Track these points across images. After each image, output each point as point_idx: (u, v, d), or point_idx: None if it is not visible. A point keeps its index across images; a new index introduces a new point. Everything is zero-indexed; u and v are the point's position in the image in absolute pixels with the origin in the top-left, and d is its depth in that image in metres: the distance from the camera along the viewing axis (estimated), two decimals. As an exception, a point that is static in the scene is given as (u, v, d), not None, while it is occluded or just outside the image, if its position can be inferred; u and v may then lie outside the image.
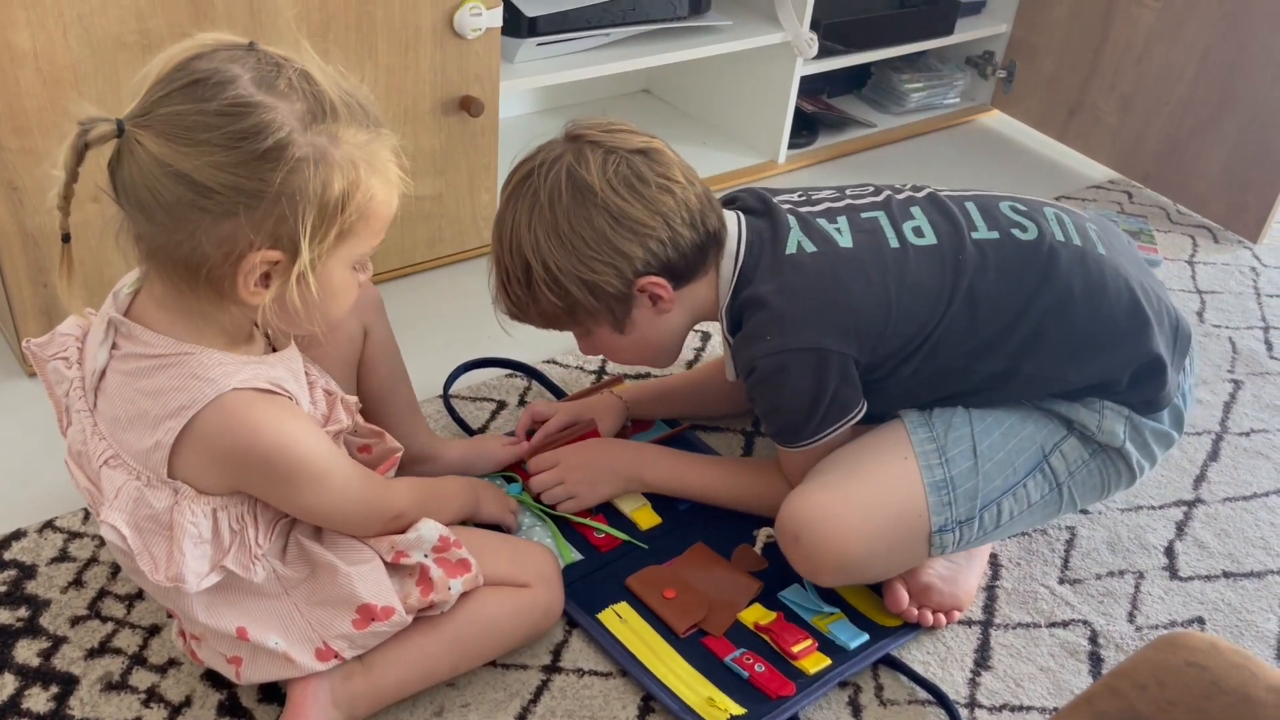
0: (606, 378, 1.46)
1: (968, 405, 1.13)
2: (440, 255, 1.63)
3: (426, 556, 0.96)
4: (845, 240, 1.11)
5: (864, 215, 1.13)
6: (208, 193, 0.77)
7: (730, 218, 1.13)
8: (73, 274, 0.84)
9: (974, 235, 1.12)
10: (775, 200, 1.16)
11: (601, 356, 1.46)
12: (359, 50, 1.38)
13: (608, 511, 1.24)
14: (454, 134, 1.54)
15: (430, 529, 0.96)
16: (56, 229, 0.82)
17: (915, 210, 1.14)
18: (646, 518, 1.23)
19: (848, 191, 1.19)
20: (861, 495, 1.08)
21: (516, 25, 1.63)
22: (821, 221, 1.12)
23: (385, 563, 0.95)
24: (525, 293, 1.09)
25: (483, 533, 1.11)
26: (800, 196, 1.18)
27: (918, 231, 1.12)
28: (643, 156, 1.07)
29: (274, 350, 0.93)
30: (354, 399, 1.01)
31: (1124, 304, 1.12)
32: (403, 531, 0.95)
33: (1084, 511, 1.31)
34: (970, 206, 1.15)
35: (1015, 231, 1.13)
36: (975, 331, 1.10)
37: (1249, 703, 0.56)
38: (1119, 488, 1.19)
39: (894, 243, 1.11)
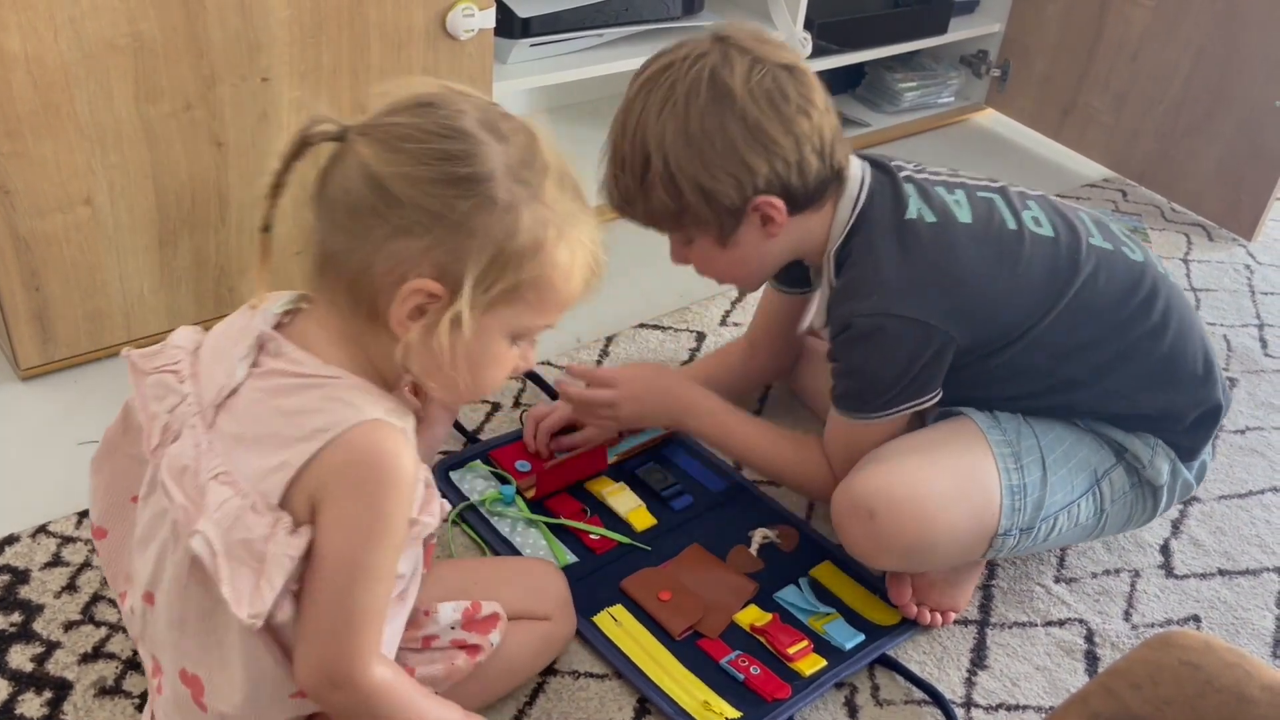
0: (601, 379, 1.45)
1: (1029, 409, 1.12)
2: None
3: (455, 630, 0.94)
4: (964, 215, 1.09)
5: (979, 194, 1.13)
6: (393, 203, 0.75)
7: (855, 162, 1.12)
8: (269, 264, 0.82)
9: (1090, 240, 1.12)
10: (891, 163, 1.14)
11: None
12: (351, 52, 1.38)
13: (603, 512, 1.23)
14: (447, 135, 1.53)
15: (449, 611, 0.94)
16: (259, 220, 0.80)
17: (1031, 203, 1.14)
18: (641, 519, 1.23)
19: (960, 172, 1.18)
20: (942, 484, 1.07)
21: (509, 26, 1.62)
22: (940, 190, 1.11)
23: (416, 647, 0.93)
24: (637, 187, 1.06)
25: (495, 563, 1.10)
26: (915, 165, 1.16)
27: (1036, 221, 1.11)
28: (788, 73, 1.03)
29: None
30: (445, 502, 0.94)
31: (1202, 350, 1.15)
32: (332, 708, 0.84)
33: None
34: (1084, 215, 1.16)
35: (1125, 250, 1.13)
36: (1073, 335, 1.10)
37: (1243, 701, 0.56)
38: (1138, 524, 1.20)
39: (1011, 224, 1.10)
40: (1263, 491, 1.39)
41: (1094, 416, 1.15)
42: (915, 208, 1.09)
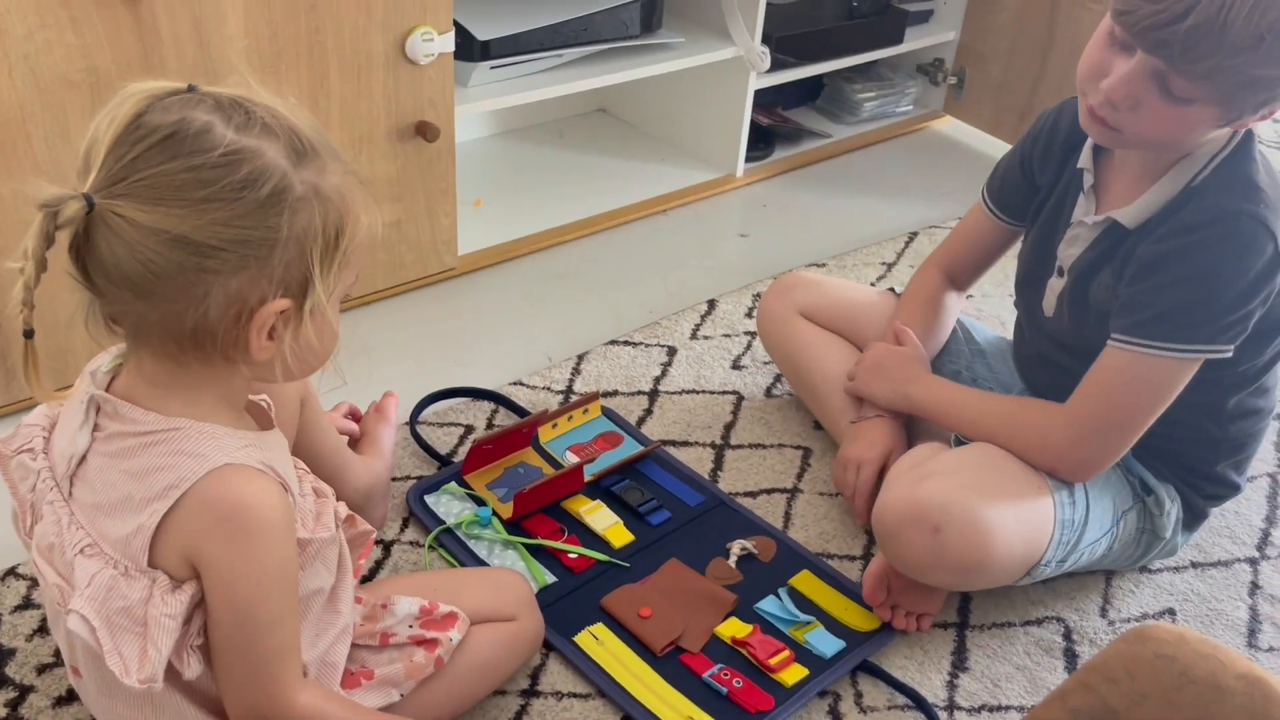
0: (576, 397, 1.46)
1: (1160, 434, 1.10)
2: (402, 281, 1.63)
3: (412, 628, 0.95)
4: None
5: None
6: (213, 252, 0.72)
7: None
8: (40, 368, 0.77)
9: None
10: None
11: (576, 360, 1.45)
12: (311, 80, 1.38)
13: (580, 531, 1.23)
14: (410, 160, 1.53)
15: (407, 604, 0.95)
16: (19, 325, 0.74)
17: None
18: (619, 535, 1.23)
19: None
20: (1006, 511, 1.06)
21: (469, 49, 1.63)
22: None
23: (374, 645, 0.93)
24: (1254, 39, 0.90)
25: (455, 571, 1.10)
26: None
27: None
28: None
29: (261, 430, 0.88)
30: (343, 506, 0.92)
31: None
32: None
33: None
34: None
35: None
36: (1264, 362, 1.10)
37: (1219, 691, 0.57)
38: (1124, 566, 1.23)
39: None
40: (1230, 483, 1.41)
41: (1152, 452, 1.14)
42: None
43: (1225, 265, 0.99)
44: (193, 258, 0.72)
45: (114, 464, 0.79)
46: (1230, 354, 1.03)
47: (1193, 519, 1.21)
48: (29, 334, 0.75)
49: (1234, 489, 1.21)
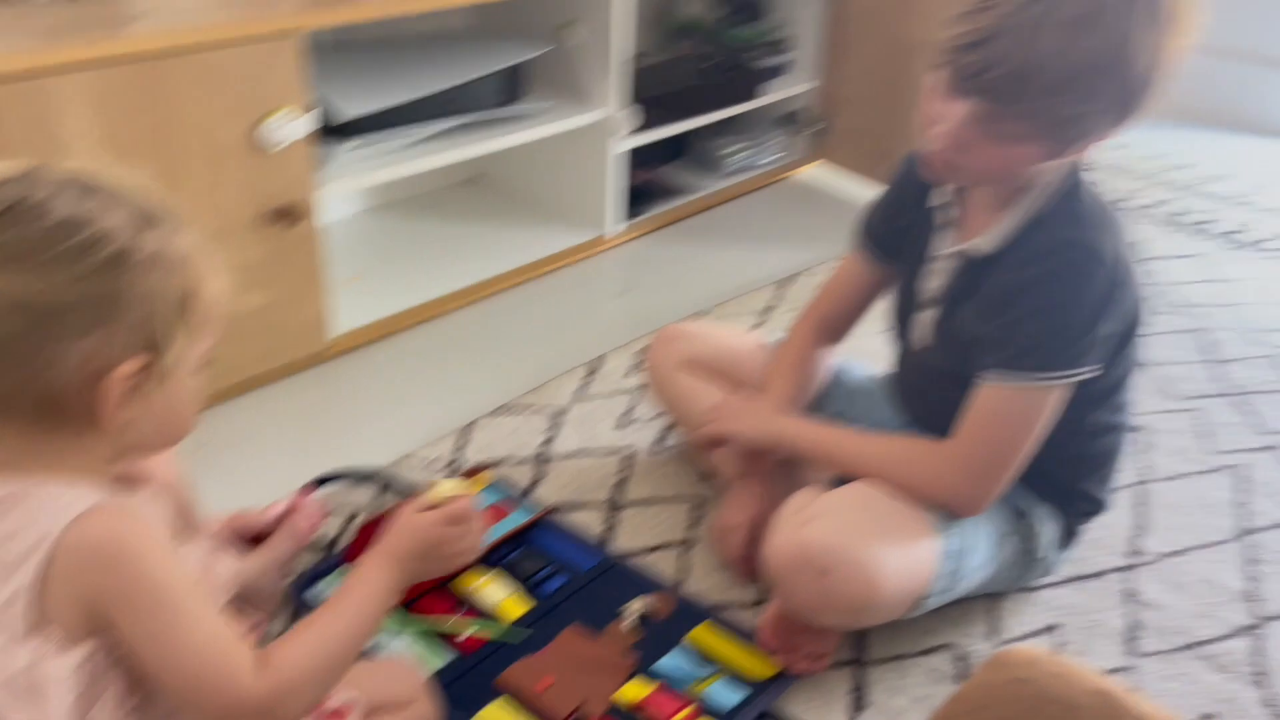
0: (464, 469, 1.44)
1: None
2: (278, 366, 1.60)
3: None
4: None
5: None
6: (58, 315, 0.73)
7: None
8: None
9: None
10: None
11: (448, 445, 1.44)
12: (164, 173, 1.31)
13: (474, 607, 1.21)
14: (277, 244, 1.51)
15: None
16: None
17: None
18: (514, 607, 1.22)
19: None
20: (890, 547, 1.07)
21: (330, 130, 1.62)
22: None
23: None
24: (1076, 78, 0.96)
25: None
26: None
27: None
28: None
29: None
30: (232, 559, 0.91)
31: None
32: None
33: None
34: None
35: None
36: (1120, 379, 1.16)
37: (1072, 708, 0.59)
38: (1005, 587, 1.26)
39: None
40: (1100, 496, 1.47)
41: (1023, 475, 1.17)
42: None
43: (1068, 295, 1.05)
44: (39, 320, 0.72)
45: None
46: (1100, 373, 1.09)
47: (1066, 536, 1.26)
48: None
49: (1100, 504, 1.27)
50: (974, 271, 1.14)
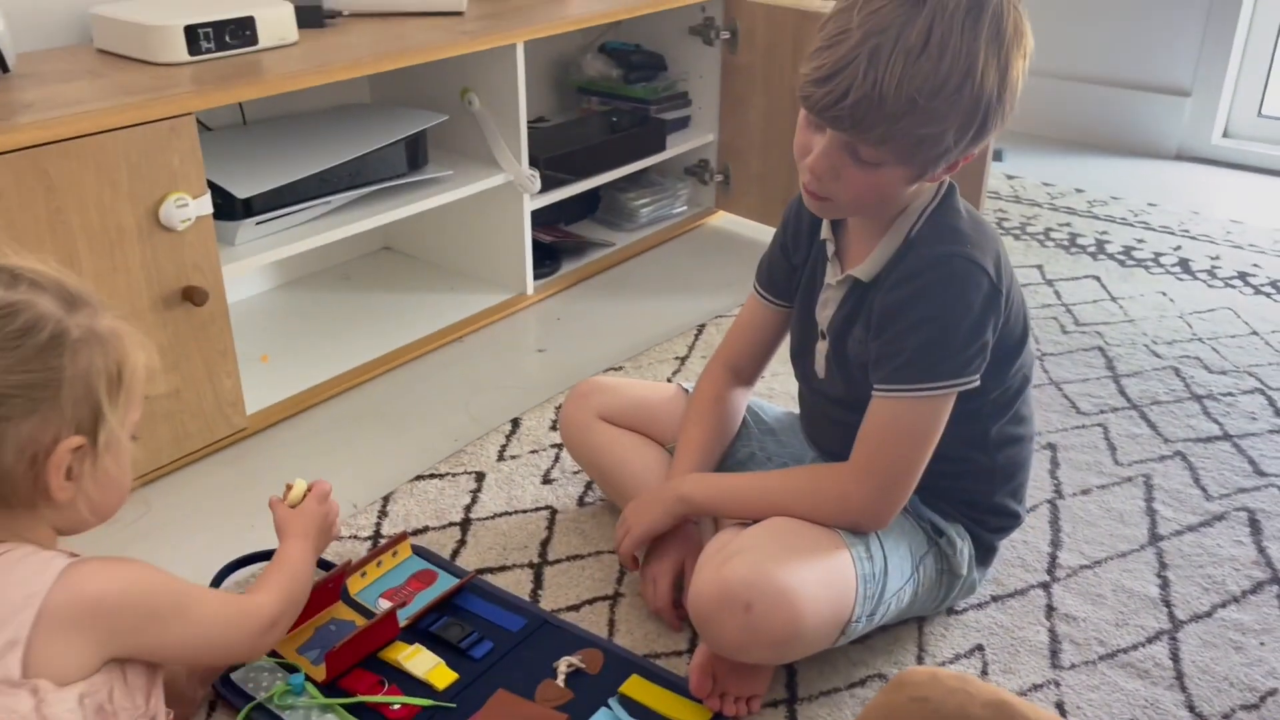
0: (384, 540, 1.42)
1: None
2: (189, 451, 1.56)
3: None
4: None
5: None
6: (2, 400, 0.78)
7: None
8: None
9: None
10: None
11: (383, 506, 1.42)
12: (65, 259, 1.32)
13: (401, 680, 1.19)
14: (182, 326, 1.49)
15: None
16: None
17: None
18: (442, 676, 1.20)
19: None
20: (809, 576, 1.08)
21: (231, 208, 1.62)
22: None
23: None
24: (927, 100, 0.99)
25: None
26: None
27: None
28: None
29: None
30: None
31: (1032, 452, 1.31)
32: (277, 639, 1.02)
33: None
34: None
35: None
36: (1003, 391, 1.20)
37: (969, 722, 0.61)
38: (929, 610, 1.29)
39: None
40: (1016, 515, 1.50)
41: (935, 493, 1.21)
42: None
43: (950, 305, 1.09)
44: None
45: None
46: (978, 383, 1.12)
47: (985, 553, 1.29)
48: None
49: (1015, 518, 1.30)
50: (859, 297, 1.18)
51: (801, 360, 1.30)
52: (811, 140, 1.09)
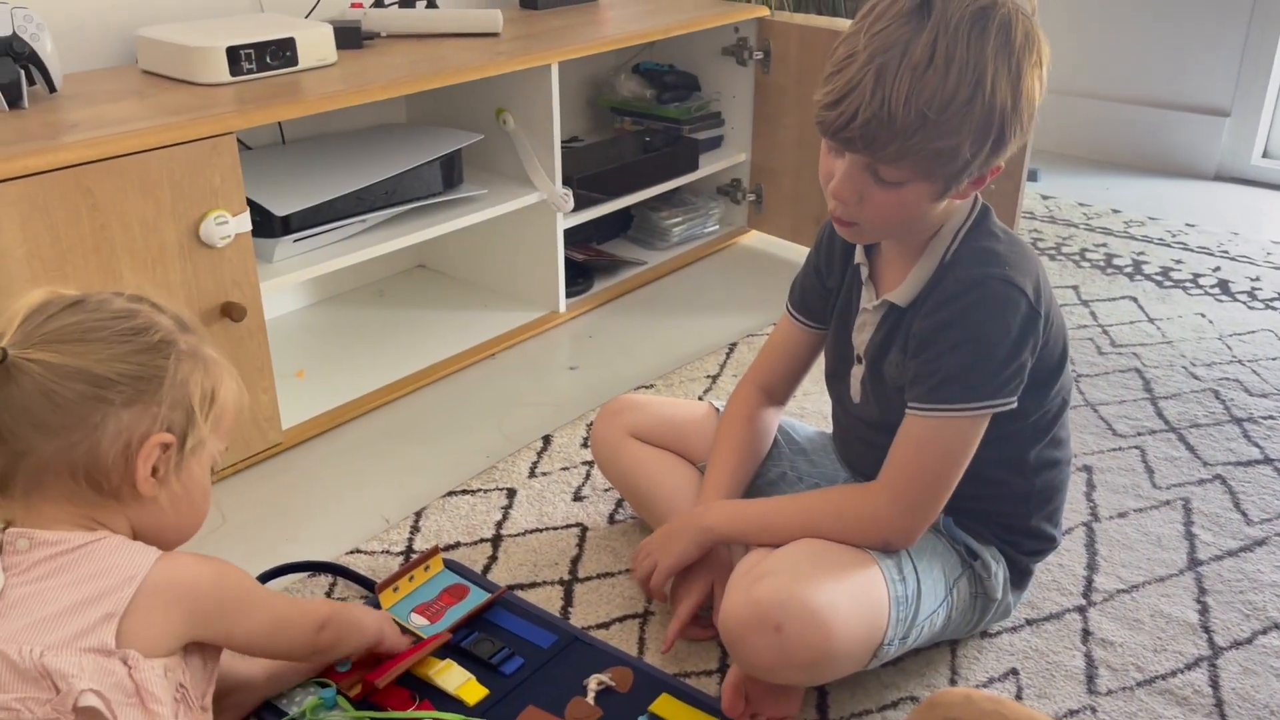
0: (416, 555, 1.43)
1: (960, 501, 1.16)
2: (226, 465, 1.58)
3: None
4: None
5: None
6: (109, 384, 0.86)
7: None
8: None
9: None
10: None
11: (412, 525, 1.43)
12: (102, 276, 1.36)
13: (432, 695, 1.20)
14: (220, 342, 1.50)
15: None
16: None
17: None
18: (473, 692, 1.20)
19: None
20: (841, 597, 1.07)
21: (269, 226, 1.64)
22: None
23: None
24: (941, 114, 0.99)
25: None
26: None
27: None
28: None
29: None
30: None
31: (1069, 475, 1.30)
32: (329, 645, 1.08)
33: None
34: None
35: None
36: (1043, 415, 1.19)
37: (1005, 744, 0.60)
38: (963, 634, 1.27)
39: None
40: (1051, 538, 1.49)
41: (971, 516, 1.20)
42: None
43: (990, 326, 1.08)
44: (91, 388, 0.85)
45: (44, 582, 0.85)
46: (1014, 405, 1.11)
47: (1020, 577, 1.27)
48: None
49: (1051, 542, 1.28)
50: (896, 321, 1.17)
51: (837, 383, 1.30)
52: (834, 166, 1.09)
